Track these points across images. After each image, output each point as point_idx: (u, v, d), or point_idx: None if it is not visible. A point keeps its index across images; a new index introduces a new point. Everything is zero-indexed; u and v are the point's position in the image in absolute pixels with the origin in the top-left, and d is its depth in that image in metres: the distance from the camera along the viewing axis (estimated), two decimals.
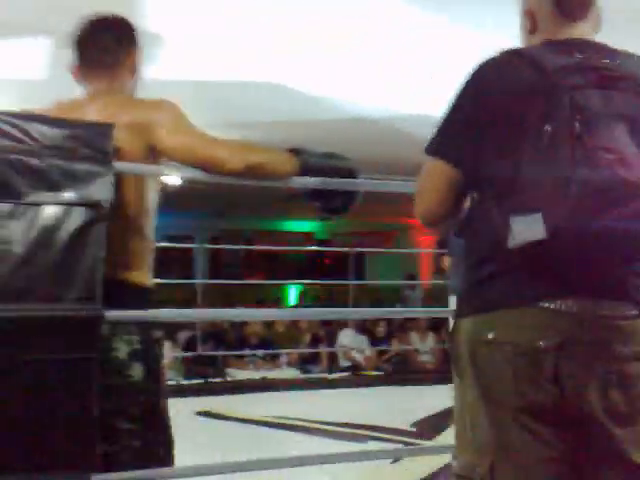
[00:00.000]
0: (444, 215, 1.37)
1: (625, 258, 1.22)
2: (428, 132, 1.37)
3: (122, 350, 1.60)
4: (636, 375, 1.23)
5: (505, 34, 1.60)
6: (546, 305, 1.21)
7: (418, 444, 4.12)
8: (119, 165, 1.54)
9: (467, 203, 1.37)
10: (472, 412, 1.29)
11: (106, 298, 1.45)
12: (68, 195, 1.45)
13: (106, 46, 1.74)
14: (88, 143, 1.50)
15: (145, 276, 1.69)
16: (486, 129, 1.26)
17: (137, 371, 1.61)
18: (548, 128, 1.17)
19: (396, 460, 3.62)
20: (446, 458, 1.44)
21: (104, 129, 1.54)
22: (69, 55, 1.79)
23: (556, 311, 1.21)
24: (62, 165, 1.47)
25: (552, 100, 1.18)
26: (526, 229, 1.17)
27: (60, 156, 1.47)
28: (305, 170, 1.68)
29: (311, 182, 1.72)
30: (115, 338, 1.59)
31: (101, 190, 1.48)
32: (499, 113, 1.24)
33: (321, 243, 12.98)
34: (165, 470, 1.66)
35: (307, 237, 13.12)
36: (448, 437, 1.40)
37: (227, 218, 11.79)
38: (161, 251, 1.91)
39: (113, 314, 1.50)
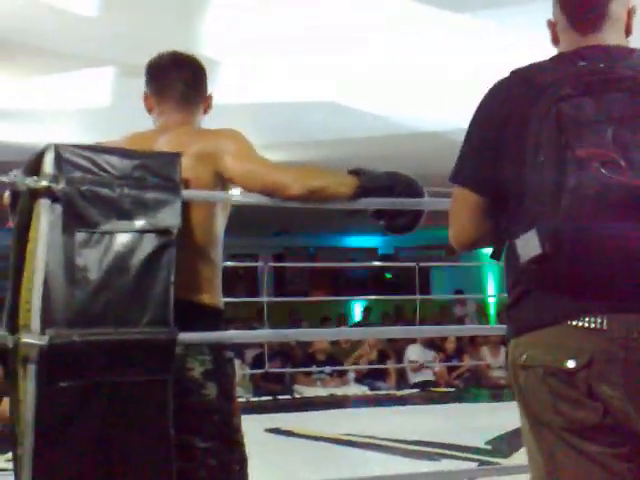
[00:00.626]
0: (476, 239, 1.37)
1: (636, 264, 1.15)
2: None
3: (197, 370, 1.64)
4: None
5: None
6: (574, 323, 1.18)
7: (494, 462, 4.02)
8: (187, 193, 1.59)
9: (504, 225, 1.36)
10: (527, 437, 1.27)
11: (179, 320, 1.49)
12: (139, 223, 1.51)
13: (191, 82, 1.81)
14: (157, 172, 1.55)
15: (216, 298, 1.72)
16: (497, 153, 1.27)
17: (212, 390, 1.64)
18: (541, 143, 1.17)
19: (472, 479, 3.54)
20: (524, 477, 1.40)
21: (172, 158, 1.59)
22: (130, 84, 1.84)
23: (584, 329, 1.17)
24: (132, 194, 1.52)
25: (542, 115, 1.18)
26: (525, 247, 1.18)
27: (130, 185, 1.53)
28: (366, 191, 1.69)
29: (376, 202, 1.72)
30: (189, 358, 1.63)
31: (170, 217, 1.53)
32: (504, 136, 1.25)
33: (385, 258, 12.91)
34: None
35: (371, 252, 13.07)
36: (524, 455, 1.37)
37: (290, 235, 11.89)
38: (226, 269, 1.94)
39: (185, 336, 1.54)
